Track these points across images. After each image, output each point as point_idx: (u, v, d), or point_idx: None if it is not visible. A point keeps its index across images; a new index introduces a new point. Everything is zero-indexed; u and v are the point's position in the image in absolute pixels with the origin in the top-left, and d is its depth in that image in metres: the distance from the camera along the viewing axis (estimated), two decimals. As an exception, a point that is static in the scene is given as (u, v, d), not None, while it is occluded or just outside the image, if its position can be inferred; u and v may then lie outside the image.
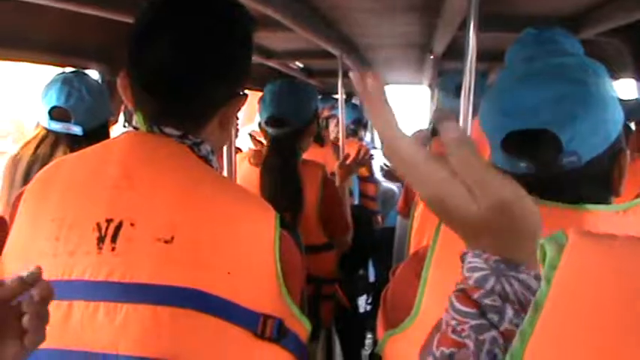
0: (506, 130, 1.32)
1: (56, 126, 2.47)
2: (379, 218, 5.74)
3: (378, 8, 3.18)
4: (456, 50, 3.42)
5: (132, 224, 1.28)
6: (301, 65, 5.95)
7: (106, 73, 3.35)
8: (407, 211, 3.29)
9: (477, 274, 0.81)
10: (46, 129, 2.52)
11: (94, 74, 3.26)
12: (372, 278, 5.17)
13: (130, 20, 2.19)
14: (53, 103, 2.49)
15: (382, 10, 3.22)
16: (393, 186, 6.83)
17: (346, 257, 3.52)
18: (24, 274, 1.04)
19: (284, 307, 1.33)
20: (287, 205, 2.96)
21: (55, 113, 2.50)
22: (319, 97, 4.05)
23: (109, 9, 2.42)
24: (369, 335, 4.92)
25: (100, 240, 1.28)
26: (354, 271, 4.34)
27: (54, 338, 1.23)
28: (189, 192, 1.32)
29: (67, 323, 1.25)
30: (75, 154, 1.47)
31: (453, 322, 0.81)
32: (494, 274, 0.79)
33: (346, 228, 3.35)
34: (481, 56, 2.17)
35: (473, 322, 0.79)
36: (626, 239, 0.63)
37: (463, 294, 0.81)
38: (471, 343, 0.78)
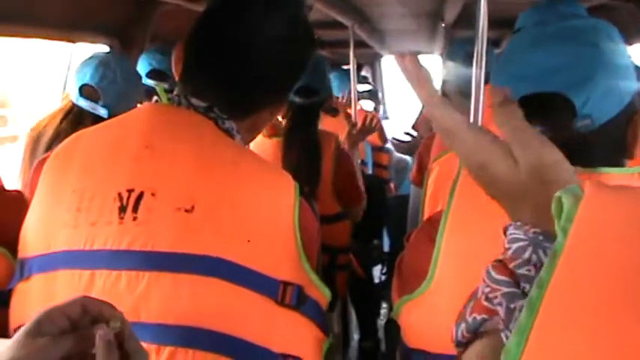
0: (519, 94, 1.31)
1: (84, 103, 2.49)
2: (392, 187, 5.74)
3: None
4: (467, 18, 3.40)
5: (153, 194, 1.29)
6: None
7: (117, 48, 3.35)
8: (420, 180, 3.28)
9: (515, 245, 0.81)
10: (73, 103, 2.52)
11: (104, 49, 3.27)
12: (386, 248, 5.16)
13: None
14: (86, 80, 2.51)
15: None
16: (405, 156, 6.83)
17: (360, 227, 3.54)
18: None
19: (303, 274, 1.34)
20: (307, 178, 2.97)
21: (85, 90, 2.52)
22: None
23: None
24: (384, 305, 4.93)
25: (122, 210, 1.29)
26: (369, 241, 4.36)
27: None
28: (209, 162, 1.33)
29: (89, 292, 1.26)
30: (95, 126, 1.47)
31: (487, 290, 0.81)
32: (531, 245, 0.80)
33: (360, 198, 3.36)
34: (492, 24, 2.16)
35: (505, 290, 0.79)
36: None
37: (501, 264, 0.81)
38: (502, 311, 0.78)
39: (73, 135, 1.47)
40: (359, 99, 5.83)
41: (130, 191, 1.30)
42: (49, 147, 2.40)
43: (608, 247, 0.59)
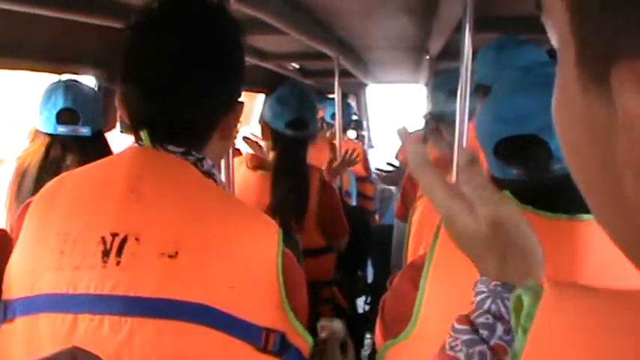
0: (498, 137, 1.36)
1: (64, 129, 2.48)
2: (377, 217, 5.77)
3: (373, 12, 3.19)
4: (451, 51, 3.43)
5: (137, 239, 1.29)
6: (297, 66, 5.96)
7: (103, 79, 3.36)
8: (404, 215, 3.29)
9: (478, 298, 0.88)
10: (49, 135, 2.51)
11: (90, 80, 3.28)
12: (370, 278, 5.17)
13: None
14: (60, 105, 2.50)
15: (377, 13, 3.24)
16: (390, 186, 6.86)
17: (344, 258, 3.54)
18: None
19: (286, 321, 1.34)
20: (295, 210, 2.98)
21: (62, 116, 2.50)
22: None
23: (104, 16, 2.44)
24: (367, 335, 4.92)
25: (105, 254, 1.29)
26: (353, 273, 4.36)
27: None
28: (194, 207, 1.33)
29: (72, 336, 1.26)
30: (78, 169, 1.47)
31: (450, 340, 0.87)
32: (491, 296, 0.87)
33: (344, 231, 3.37)
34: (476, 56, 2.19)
35: (465, 337, 0.86)
36: (607, 293, 0.64)
37: (463, 316, 0.88)
38: (462, 356, 0.84)
39: (57, 177, 1.47)
40: (345, 129, 5.87)
41: (114, 235, 1.30)
42: (37, 183, 2.40)
43: (567, 350, 0.60)
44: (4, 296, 1.38)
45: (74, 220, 1.35)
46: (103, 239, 1.30)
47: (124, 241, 1.29)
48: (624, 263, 1.08)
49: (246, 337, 1.28)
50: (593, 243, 1.27)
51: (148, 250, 1.28)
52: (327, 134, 5.65)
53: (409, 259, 2.24)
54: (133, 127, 1.44)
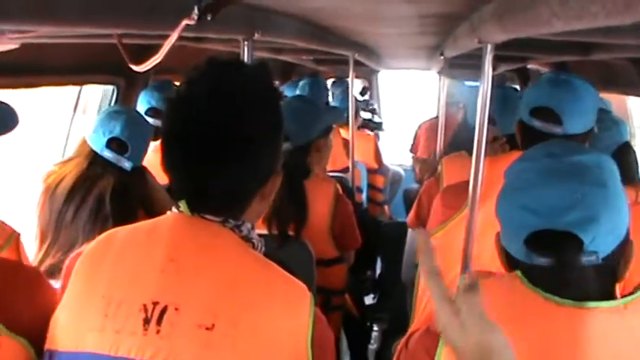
0: (531, 229, 1.37)
1: (109, 155, 2.52)
2: (386, 209, 5.80)
3: (388, 19, 3.19)
4: (467, 56, 3.43)
5: (176, 309, 1.35)
6: (311, 57, 5.96)
7: (122, 86, 3.40)
8: (417, 225, 3.33)
9: None
10: (94, 152, 2.55)
11: (109, 90, 3.33)
12: (378, 271, 5.23)
13: (145, 33, 2.23)
14: (115, 133, 2.54)
15: (393, 21, 3.24)
16: (399, 169, 6.88)
17: (354, 262, 3.59)
18: None
19: None
20: (291, 219, 3.00)
21: (112, 143, 2.55)
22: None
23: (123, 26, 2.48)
24: (375, 328, 4.98)
25: (146, 321, 1.35)
26: (362, 275, 4.41)
27: None
28: (231, 279, 1.39)
29: None
30: (125, 229, 1.52)
31: None
32: None
33: (356, 243, 3.40)
34: (494, 66, 2.20)
35: None
36: None
37: None
38: None
39: (104, 235, 1.52)
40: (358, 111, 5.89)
41: (154, 304, 1.36)
42: (69, 195, 2.44)
43: None
44: (49, 345, 1.44)
45: (119, 284, 1.41)
46: (145, 307, 1.36)
47: (164, 310, 1.35)
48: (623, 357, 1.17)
49: None
50: (598, 332, 1.32)
51: (186, 320, 1.34)
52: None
53: (420, 296, 2.29)
54: (173, 193, 1.50)
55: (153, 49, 1.86)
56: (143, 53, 2.73)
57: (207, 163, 1.43)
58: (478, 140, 2.15)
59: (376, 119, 7.35)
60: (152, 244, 1.44)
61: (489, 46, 2.06)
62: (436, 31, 3.40)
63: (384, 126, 7.97)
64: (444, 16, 2.69)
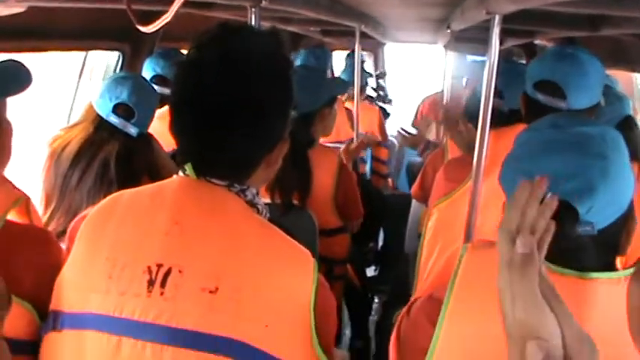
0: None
1: (115, 120, 2.52)
2: (390, 182, 5.81)
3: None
4: (474, 29, 3.41)
5: (180, 271, 1.36)
6: (317, 28, 5.94)
7: (127, 53, 3.40)
8: (421, 196, 3.35)
9: None
10: (100, 117, 2.56)
11: (114, 55, 3.32)
12: (380, 243, 5.24)
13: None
14: (122, 99, 2.54)
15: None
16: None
17: (357, 232, 3.60)
18: None
19: (314, 358, 1.40)
20: (295, 188, 3.01)
21: (119, 108, 2.55)
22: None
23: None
24: (375, 300, 5.00)
25: (150, 283, 1.36)
26: (365, 245, 4.43)
27: None
28: (235, 243, 1.40)
29: (116, 356, 1.36)
30: (130, 192, 1.53)
31: None
32: None
33: (359, 213, 3.42)
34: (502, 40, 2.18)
35: None
36: None
37: None
38: None
39: (109, 199, 1.53)
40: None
41: (159, 266, 1.37)
42: (74, 159, 2.45)
43: None
44: (54, 306, 1.47)
45: (123, 246, 1.42)
46: (149, 269, 1.37)
47: (168, 272, 1.37)
48: (622, 329, 1.19)
49: None
50: (598, 302, 1.33)
51: (190, 283, 1.35)
52: (344, 97, 5.62)
53: (422, 265, 2.30)
54: (179, 157, 1.50)
55: (159, 16, 1.85)
56: (149, 20, 2.73)
57: (215, 127, 1.43)
58: (484, 113, 2.15)
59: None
60: (157, 206, 1.45)
61: (497, 18, 2.04)
62: (443, 3, 3.38)
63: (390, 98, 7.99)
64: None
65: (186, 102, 1.46)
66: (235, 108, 1.42)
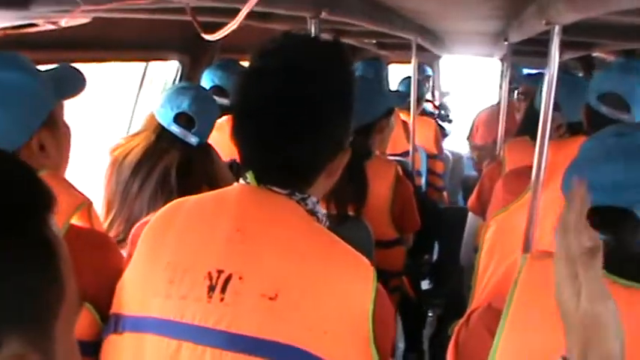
0: (591, 204, 1.37)
1: (176, 130, 2.54)
2: (444, 195, 5.78)
3: (454, 7, 3.18)
4: (533, 40, 3.39)
5: (240, 277, 1.37)
6: (373, 40, 5.95)
7: (186, 64, 3.44)
8: (477, 208, 3.32)
9: None
10: (161, 126, 2.58)
11: (174, 65, 3.36)
12: (434, 256, 5.22)
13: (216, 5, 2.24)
14: (183, 109, 2.54)
15: (460, 8, 3.23)
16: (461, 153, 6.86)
17: (412, 245, 3.59)
18: None
19: None
20: (351, 199, 3.01)
21: (180, 118, 2.57)
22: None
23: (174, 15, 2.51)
24: (429, 314, 4.98)
25: (211, 289, 1.38)
26: (420, 259, 4.41)
27: None
28: (295, 251, 1.40)
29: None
30: (193, 198, 1.55)
31: None
32: None
33: (415, 225, 3.40)
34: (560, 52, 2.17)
35: None
36: None
37: None
38: None
39: (171, 204, 1.56)
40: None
41: (219, 272, 1.39)
42: (135, 168, 2.47)
43: None
44: (115, 309, 1.50)
45: (184, 252, 1.44)
46: (210, 275, 1.39)
47: (228, 279, 1.38)
48: None
49: None
50: None
51: (250, 290, 1.36)
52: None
53: (479, 277, 2.28)
54: (242, 164, 1.52)
55: (221, 26, 1.88)
56: (213, 30, 2.76)
57: (278, 135, 1.45)
58: (543, 124, 2.13)
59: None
60: (219, 213, 1.47)
61: (557, 28, 2.03)
62: (501, 15, 3.37)
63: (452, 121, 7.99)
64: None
65: (249, 110, 1.48)
66: (298, 117, 1.43)
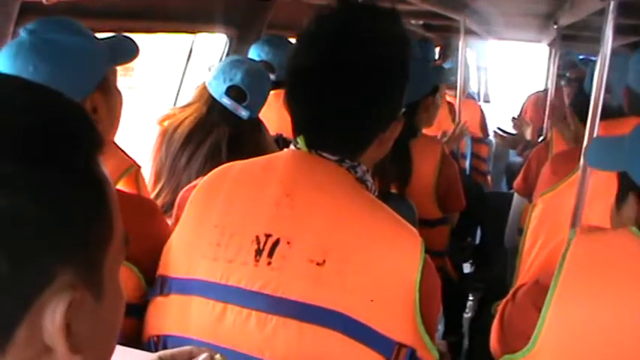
0: None
1: (227, 102, 2.54)
2: (489, 180, 5.74)
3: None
4: (584, 24, 3.35)
5: (288, 242, 1.38)
6: (420, 22, 5.93)
7: (234, 37, 3.45)
8: (524, 189, 3.30)
9: None
10: (213, 99, 2.59)
11: (222, 38, 3.37)
12: (477, 241, 5.18)
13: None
14: (235, 82, 2.54)
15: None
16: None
17: (456, 227, 3.57)
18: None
19: (418, 337, 1.37)
20: (395, 176, 2.99)
21: (231, 91, 2.57)
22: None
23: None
24: (470, 298, 4.95)
25: (258, 253, 1.38)
26: (462, 240, 4.39)
27: (208, 333, 1.40)
28: (344, 217, 1.40)
29: (221, 322, 1.39)
30: (241, 163, 1.55)
31: None
32: None
33: (460, 205, 3.37)
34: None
35: None
36: None
37: None
38: None
39: (219, 169, 1.56)
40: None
41: (267, 236, 1.39)
42: (185, 140, 2.49)
43: None
44: (161, 272, 1.51)
45: (232, 215, 1.45)
46: (257, 238, 1.39)
47: (276, 243, 1.38)
48: None
49: (379, 349, 1.33)
50: None
51: (297, 254, 1.36)
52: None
53: (525, 255, 2.26)
54: (292, 130, 1.51)
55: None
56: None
57: (332, 100, 1.44)
58: (594, 105, 2.10)
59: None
60: (267, 178, 1.46)
61: (612, 5, 1.99)
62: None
63: (490, 97, 7.92)
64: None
65: (305, 73, 1.48)
66: (353, 82, 1.43)
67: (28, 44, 1.59)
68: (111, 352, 0.77)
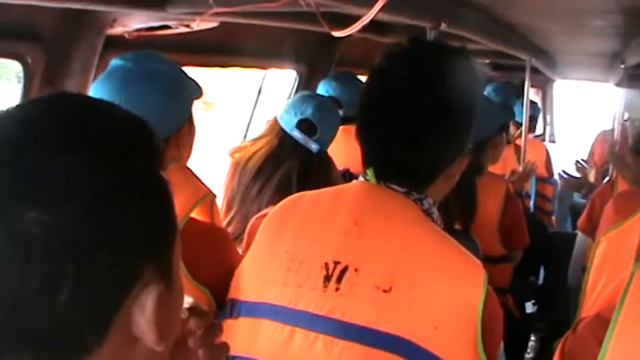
0: None
1: (298, 135, 2.60)
2: (553, 219, 5.71)
3: (570, 29, 3.17)
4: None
5: (356, 269, 1.42)
6: (487, 60, 5.94)
7: (304, 74, 3.52)
8: (588, 228, 3.28)
9: None
10: (284, 132, 2.64)
11: (292, 74, 3.45)
12: (540, 280, 5.14)
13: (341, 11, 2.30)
14: (307, 115, 2.61)
15: (575, 26, 3.21)
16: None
17: (519, 265, 3.56)
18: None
19: None
20: (459, 213, 3.01)
21: (302, 124, 2.63)
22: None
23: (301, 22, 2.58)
24: (532, 338, 4.90)
25: (327, 279, 1.43)
26: (525, 278, 4.36)
27: (276, 355, 1.45)
28: (411, 246, 1.44)
29: (288, 345, 1.43)
30: (310, 193, 1.61)
31: None
32: None
33: (524, 242, 3.37)
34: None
35: None
36: None
37: None
38: None
39: (290, 198, 1.62)
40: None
41: (336, 263, 1.43)
42: (257, 171, 2.56)
43: None
44: (232, 295, 1.57)
45: (303, 242, 1.50)
46: (326, 265, 1.44)
47: (344, 270, 1.42)
48: None
49: None
50: None
51: (365, 281, 1.41)
52: (515, 132, 5.57)
53: (588, 292, 2.26)
54: (362, 162, 1.56)
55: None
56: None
57: (401, 135, 1.49)
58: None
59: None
60: (337, 207, 1.51)
61: None
62: (618, 34, 3.33)
63: (555, 137, 7.87)
64: (630, 11, 2.61)
65: (374, 108, 1.53)
66: (423, 116, 1.48)
67: (136, 74, 1.69)
68: (172, 343, 0.81)
